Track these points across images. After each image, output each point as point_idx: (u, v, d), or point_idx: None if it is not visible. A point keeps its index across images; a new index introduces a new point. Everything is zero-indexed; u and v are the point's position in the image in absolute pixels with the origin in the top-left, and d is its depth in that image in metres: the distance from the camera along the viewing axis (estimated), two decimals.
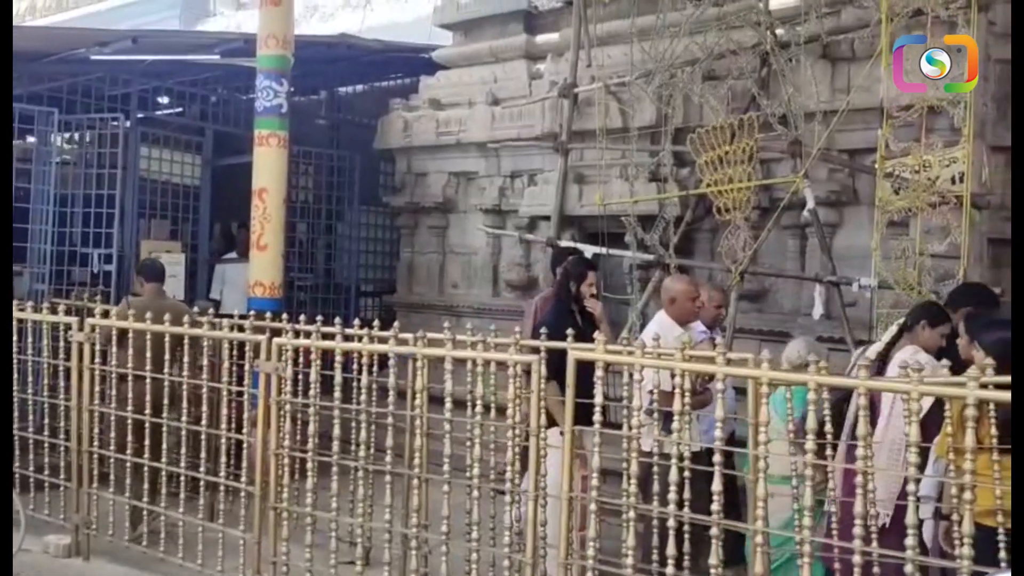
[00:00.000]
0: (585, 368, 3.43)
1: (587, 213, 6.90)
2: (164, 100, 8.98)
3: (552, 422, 3.66)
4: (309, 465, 4.10)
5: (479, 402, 3.69)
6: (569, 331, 3.93)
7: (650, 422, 3.50)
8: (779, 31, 5.83)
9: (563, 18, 7.64)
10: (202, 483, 4.57)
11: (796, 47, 5.67)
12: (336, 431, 4.02)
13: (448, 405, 3.72)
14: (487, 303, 7.84)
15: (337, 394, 4.03)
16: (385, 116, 8.54)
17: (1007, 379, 2.97)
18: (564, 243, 6.68)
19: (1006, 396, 2.91)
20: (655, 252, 6.30)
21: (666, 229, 6.31)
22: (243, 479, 4.39)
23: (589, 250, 6.46)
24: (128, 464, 4.71)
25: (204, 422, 4.49)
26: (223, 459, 4.49)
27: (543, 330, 4.07)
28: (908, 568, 2.70)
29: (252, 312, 5.26)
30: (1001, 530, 3.06)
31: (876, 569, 2.89)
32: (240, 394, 4.46)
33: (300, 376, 4.33)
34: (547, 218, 7.12)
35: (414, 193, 8.39)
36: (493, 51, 8.07)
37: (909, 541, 2.69)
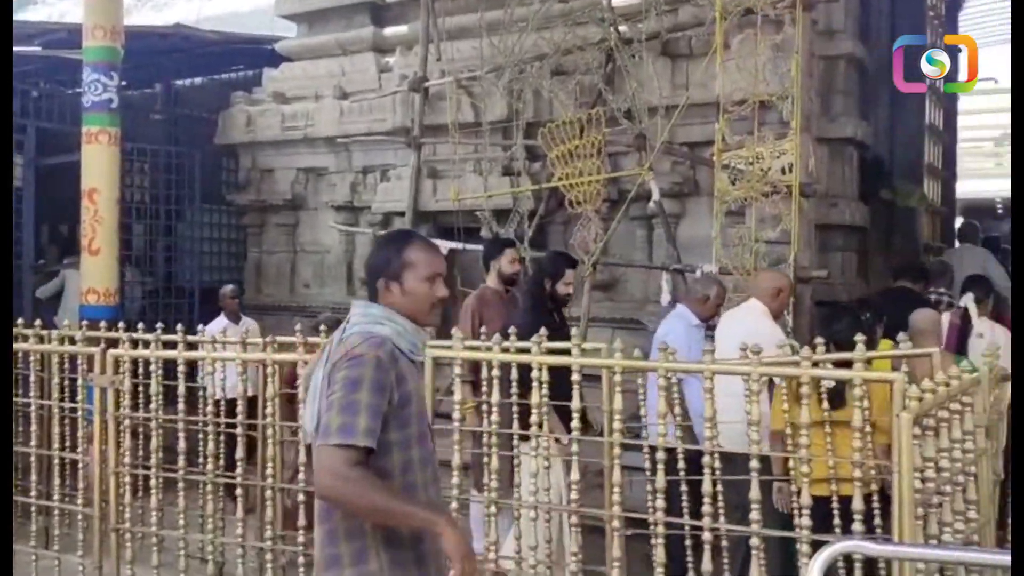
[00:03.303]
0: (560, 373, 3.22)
1: (442, 208, 6.88)
2: None
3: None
4: (153, 482, 3.88)
5: None
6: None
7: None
8: (622, 28, 6.00)
9: (411, 11, 7.55)
10: (33, 508, 4.22)
11: (638, 44, 5.84)
12: (181, 444, 3.82)
13: (302, 409, 3.60)
14: (341, 302, 7.65)
15: (181, 406, 3.83)
16: (226, 110, 8.21)
17: (838, 356, 3.25)
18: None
19: (834, 374, 3.16)
20: None
21: (520, 223, 6.37)
22: (80, 501, 4.10)
23: (445, 245, 6.42)
24: None
25: (34, 442, 4.16)
26: (56, 481, 4.18)
27: (512, 330, 3.47)
28: (754, 540, 2.84)
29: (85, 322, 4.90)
30: (835, 498, 3.30)
31: None
32: (74, 411, 4.15)
33: (140, 388, 4.08)
34: (401, 214, 7.05)
35: (260, 190, 8.10)
36: (340, 43, 7.89)
37: (754, 516, 2.83)
